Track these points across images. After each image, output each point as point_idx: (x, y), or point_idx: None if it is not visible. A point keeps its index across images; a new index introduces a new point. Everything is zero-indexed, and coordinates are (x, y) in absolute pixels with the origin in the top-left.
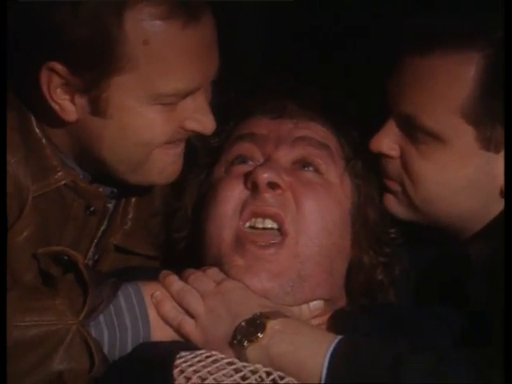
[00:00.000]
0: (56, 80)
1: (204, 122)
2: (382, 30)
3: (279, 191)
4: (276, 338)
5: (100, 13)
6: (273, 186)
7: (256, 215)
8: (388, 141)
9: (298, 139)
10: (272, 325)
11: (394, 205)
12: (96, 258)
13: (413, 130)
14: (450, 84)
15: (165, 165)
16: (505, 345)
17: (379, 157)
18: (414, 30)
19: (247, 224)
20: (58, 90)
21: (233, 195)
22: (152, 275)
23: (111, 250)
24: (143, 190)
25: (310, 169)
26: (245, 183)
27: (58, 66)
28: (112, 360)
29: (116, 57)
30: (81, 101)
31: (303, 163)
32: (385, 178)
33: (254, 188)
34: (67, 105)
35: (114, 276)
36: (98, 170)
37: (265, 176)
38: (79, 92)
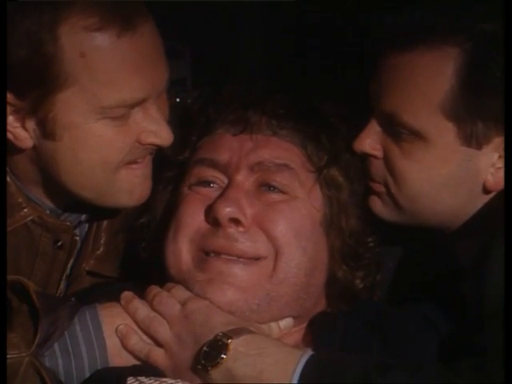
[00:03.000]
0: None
1: (160, 133)
2: (363, 28)
3: (242, 229)
4: (240, 361)
5: (33, 32)
6: (235, 221)
7: (222, 252)
8: (370, 141)
9: (256, 165)
10: (235, 345)
11: (379, 206)
12: (69, 286)
13: (395, 129)
14: (429, 81)
15: (133, 186)
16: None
17: (361, 159)
18: (393, 27)
19: (211, 254)
20: (10, 118)
21: (192, 222)
22: (118, 292)
23: (84, 276)
24: (115, 213)
25: (275, 190)
26: (206, 214)
27: None
28: None
29: (55, 73)
30: (31, 125)
31: (267, 186)
32: (369, 179)
33: (215, 223)
34: (20, 132)
35: (77, 298)
36: (67, 199)
37: (226, 211)
38: (28, 116)
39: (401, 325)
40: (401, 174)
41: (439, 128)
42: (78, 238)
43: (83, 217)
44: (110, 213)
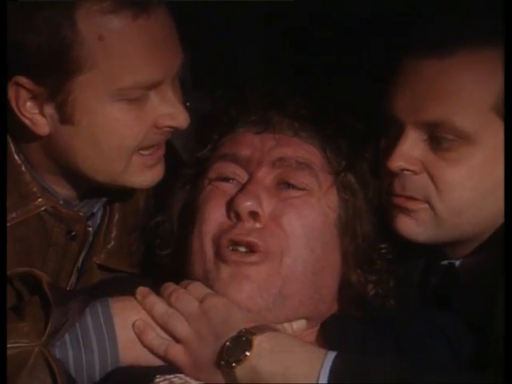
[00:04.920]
0: (24, 94)
1: (176, 115)
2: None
3: (258, 225)
4: (265, 358)
5: (51, 18)
6: (254, 215)
7: (235, 243)
8: (408, 156)
9: (278, 160)
10: (259, 342)
11: (410, 227)
12: (79, 279)
13: (439, 138)
14: (479, 83)
15: (145, 171)
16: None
17: (391, 178)
18: (428, 34)
19: (229, 247)
20: (28, 104)
21: (214, 217)
22: (131, 286)
23: (94, 269)
24: (127, 207)
25: (294, 188)
26: (227, 208)
27: (23, 80)
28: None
29: (74, 57)
30: (49, 111)
31: (286, 184)
32: (400, 198)
33: (235, 217)
34: (38, 118)
35: (89, 291)
36: (80, 189)
37: (246, 205)
38: (46, 101)
39: (413, 331)
40: (448, 184)
41: (492, 127)
42: (90, 228)
43: (95, 208)
44: (122, 207)
